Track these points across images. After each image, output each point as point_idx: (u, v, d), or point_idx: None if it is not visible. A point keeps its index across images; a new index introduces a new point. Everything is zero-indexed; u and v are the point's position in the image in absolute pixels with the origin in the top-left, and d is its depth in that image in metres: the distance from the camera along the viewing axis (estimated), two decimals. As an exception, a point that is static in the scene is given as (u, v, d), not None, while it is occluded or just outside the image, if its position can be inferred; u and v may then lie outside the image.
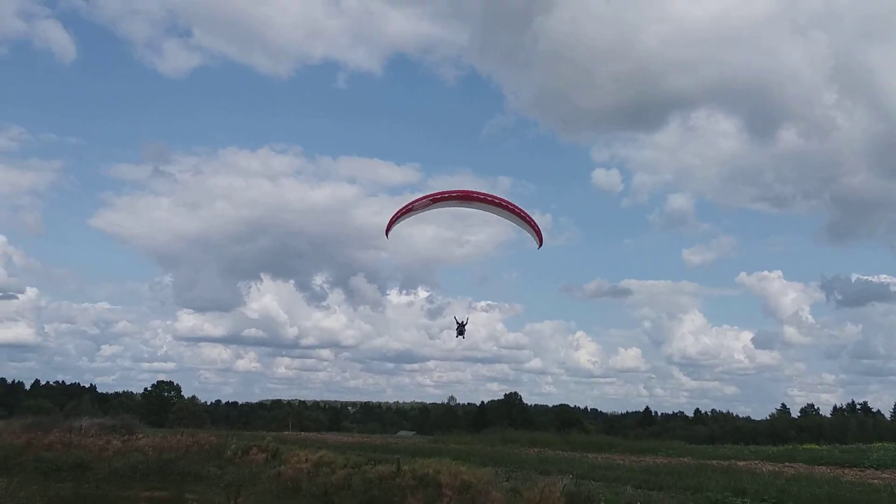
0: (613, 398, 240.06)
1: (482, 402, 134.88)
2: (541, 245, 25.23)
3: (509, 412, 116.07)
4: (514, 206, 24.00)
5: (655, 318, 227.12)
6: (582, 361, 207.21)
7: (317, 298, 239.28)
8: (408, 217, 24.10)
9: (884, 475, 30.70)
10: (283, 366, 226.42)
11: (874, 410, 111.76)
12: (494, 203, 23.63)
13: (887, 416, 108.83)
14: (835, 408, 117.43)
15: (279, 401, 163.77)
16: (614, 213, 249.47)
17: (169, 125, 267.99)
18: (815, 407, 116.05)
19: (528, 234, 25.07)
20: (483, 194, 23.72)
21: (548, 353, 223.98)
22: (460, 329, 25.24)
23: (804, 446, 42.74)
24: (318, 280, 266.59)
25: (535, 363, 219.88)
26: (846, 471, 32.37)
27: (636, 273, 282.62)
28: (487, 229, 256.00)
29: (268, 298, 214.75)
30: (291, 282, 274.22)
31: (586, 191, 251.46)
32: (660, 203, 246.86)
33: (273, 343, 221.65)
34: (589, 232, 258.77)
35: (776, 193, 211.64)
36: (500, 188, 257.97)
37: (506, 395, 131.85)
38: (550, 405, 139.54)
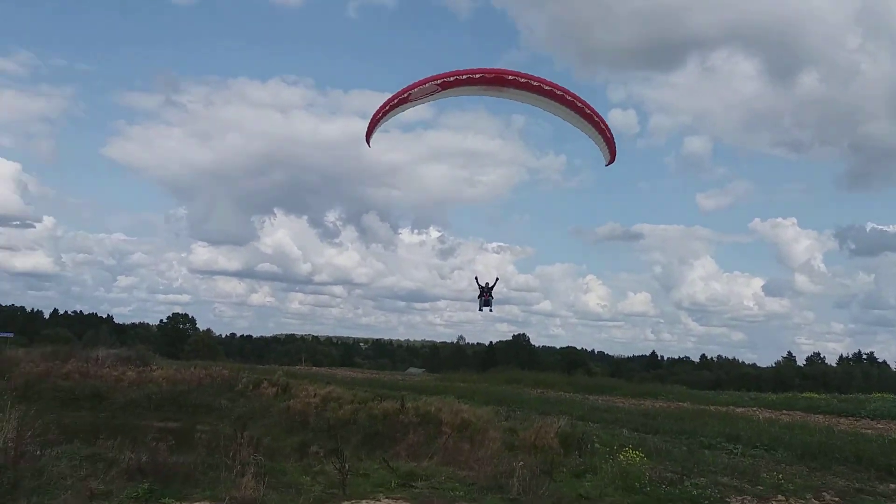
0: (621, 342, 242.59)
1: (491, 342, 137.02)
2: (612, 161, 16.88)
3: (517, 353, 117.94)
4: (573, 96, 15.47)
5: (666, 263, 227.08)
6: (591, 305, 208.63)
7: (329, 235, 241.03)
8: (406, 109, 16.78)
9: (878, 425, 31.31)
10: (297, 301, 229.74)
11: (880, 361, 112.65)
12: (542, 91, 15.21)
13: (893, 366, 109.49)
14: (840, 357, 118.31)
15: (293, 335, 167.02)
16: (630, 155, 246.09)
17: (179, 54, 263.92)
18: (821, 356, 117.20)
19: (594, 143, 16.62)
20: (525, 76, 15.19)
21: (557, 295, 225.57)
22: (485, 297, 18.56)
23: (804, 395, 43.38)
24: (331, 217, 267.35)
25: (545, 305, 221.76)
26: (842, 420, 33.02)
27: (649, 217, 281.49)
28: (500, 169, 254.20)
29: (281, 234, 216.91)
30: (304, 217, 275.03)
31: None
32: (676, 146, 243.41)
33: (287, 278, 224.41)
34: (603, 174, 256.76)
35: (794, 139, 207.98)
36: (515, 127, 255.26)
37: (514, 336, 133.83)
38: (558, 347, 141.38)
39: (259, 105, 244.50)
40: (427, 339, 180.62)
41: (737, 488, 16.10)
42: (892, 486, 18.47)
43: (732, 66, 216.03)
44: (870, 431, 27.63)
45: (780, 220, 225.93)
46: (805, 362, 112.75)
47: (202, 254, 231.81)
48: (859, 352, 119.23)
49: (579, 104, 15.51)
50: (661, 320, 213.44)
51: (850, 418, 33.81)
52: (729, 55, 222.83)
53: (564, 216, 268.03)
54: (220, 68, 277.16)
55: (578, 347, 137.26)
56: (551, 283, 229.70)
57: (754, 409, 36.72)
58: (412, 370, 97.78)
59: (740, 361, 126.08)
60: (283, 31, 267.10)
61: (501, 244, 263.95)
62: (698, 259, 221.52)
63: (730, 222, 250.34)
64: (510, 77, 15.27)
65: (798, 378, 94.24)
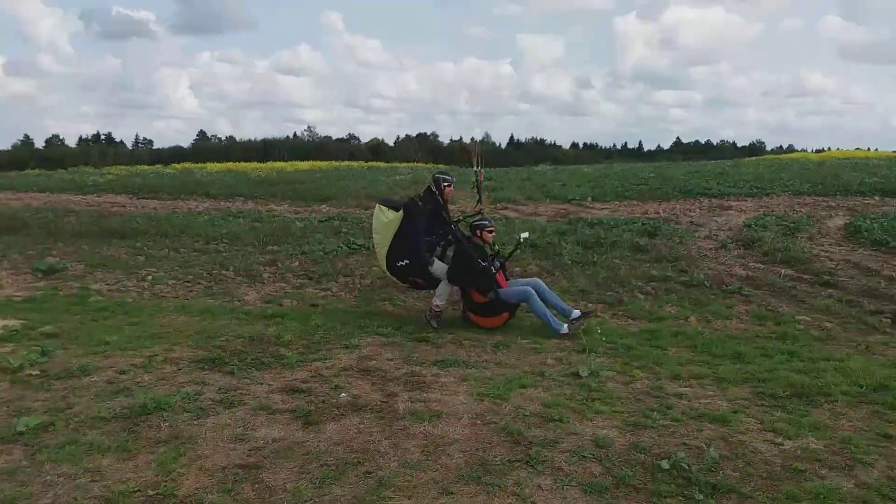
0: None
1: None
2: None
3: None
4: None
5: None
6: None
7: None
8: None
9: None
10: None
11: (118, 140, 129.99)
12: None
13: (129, 145, 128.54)
14: (80, 138, 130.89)
15: None
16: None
17: None
18: (61, 137, 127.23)
19: None
20: None
21: None
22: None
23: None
24: None
25: None
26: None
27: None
28: None
29: None
30: None
31: None
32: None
33: None
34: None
35: None
36: None
37: None
38: None
39: None
40: None
41: None
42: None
43: None
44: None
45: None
46: (44, 144, 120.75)
47: None
48: (98, 133, 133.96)
49: None
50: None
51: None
52: None
53: None
54: None
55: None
56: None
57: None
58: None
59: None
60: None
61: None
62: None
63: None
64: None
65: (36, 160, 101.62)
